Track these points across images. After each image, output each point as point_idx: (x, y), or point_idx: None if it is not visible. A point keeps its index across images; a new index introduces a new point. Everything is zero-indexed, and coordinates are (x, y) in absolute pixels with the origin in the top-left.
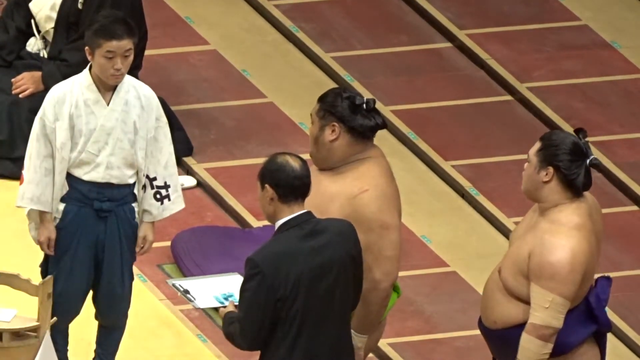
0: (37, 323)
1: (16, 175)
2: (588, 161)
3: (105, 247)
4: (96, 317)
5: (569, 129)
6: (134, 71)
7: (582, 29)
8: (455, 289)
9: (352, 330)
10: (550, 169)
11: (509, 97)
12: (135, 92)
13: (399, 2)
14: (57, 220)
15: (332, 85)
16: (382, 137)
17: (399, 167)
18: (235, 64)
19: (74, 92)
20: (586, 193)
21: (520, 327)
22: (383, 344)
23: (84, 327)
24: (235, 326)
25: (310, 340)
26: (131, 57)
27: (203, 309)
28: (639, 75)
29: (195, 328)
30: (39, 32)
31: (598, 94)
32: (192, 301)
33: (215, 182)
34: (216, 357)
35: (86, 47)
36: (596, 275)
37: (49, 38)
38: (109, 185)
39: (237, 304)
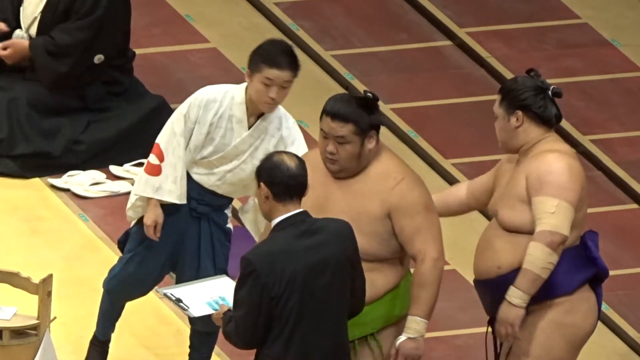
0: (37, 321)
1: (16, 173)
2: (550, 92)
3: (200, 250)
4: (191, 322)
5: (569, 127)
6: (128, 63)
7: (582, 27)
8: (456, 287)
9: (416, 317)
10: (519, 112)
11: None
12: (278, 123)
13: (399, 0)
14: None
15: (332, 83)
16: (382, 136)
17: None
18: (235, 62)
19: (223, 103)
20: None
21: None
22: None
23: (84, 325)
24: (232, 325)
25: (305, 339)
26: (288, 90)
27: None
28: (639, 73)
29: None
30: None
31: (598, 92)
32: (185, 310)
33: None
34: (216, 355)
35: (246, 69)
36: None
37: (33, 32)
38: (212, 193)
39: (229, 306)
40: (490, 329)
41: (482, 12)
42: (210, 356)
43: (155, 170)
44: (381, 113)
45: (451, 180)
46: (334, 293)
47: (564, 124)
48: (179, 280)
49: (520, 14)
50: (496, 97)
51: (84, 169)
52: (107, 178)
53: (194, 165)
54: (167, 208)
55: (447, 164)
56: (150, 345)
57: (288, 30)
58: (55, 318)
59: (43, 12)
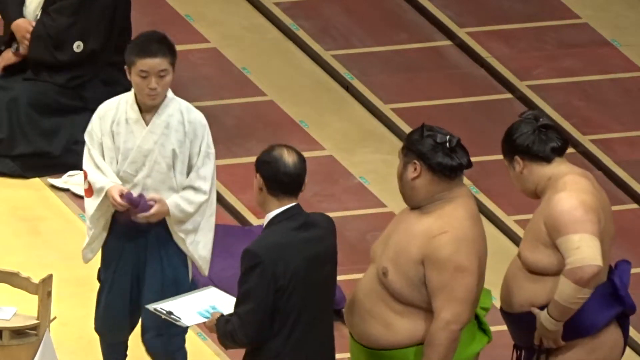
0: (37, 321)
1: (16, 173)
2: (538, 125)
3: (146, 266)
4: (148, 353)
5: (569, 127)
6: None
7: (582, 27)
8: None
9: None
10: (517, 157)
11: (509, 95)
12: (180, 116)
13: (399, 0)
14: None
15: (332, 83)
16: (382, 135)
17: None
18: (235, 62)
19: (119, 108)
20: (585, 172)
21: (545, 307)
22: None
23: (84, 325)
24: (234, 322)
25: (305, 333)
26: (168, 77)
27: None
28: (639, 73)
29: (195, 326)
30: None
31: (598, 92)
32: (177, 321)
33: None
34: (215, 355)
35: (125, 66)
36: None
37: None
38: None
39: (222, 313)
40: (516, 353)
41: (482, 12)
42: None
43: (90, 191)
44: (450, 156)
45: None
46: (329, 287)
47: (564, 124)
48: (139, 313)
49: (520, 14)
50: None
51: None
52: None
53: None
54: (116, 232)
55: None
56: None
57: (288, 30)
58: (55, 318)
59: (44, 8)
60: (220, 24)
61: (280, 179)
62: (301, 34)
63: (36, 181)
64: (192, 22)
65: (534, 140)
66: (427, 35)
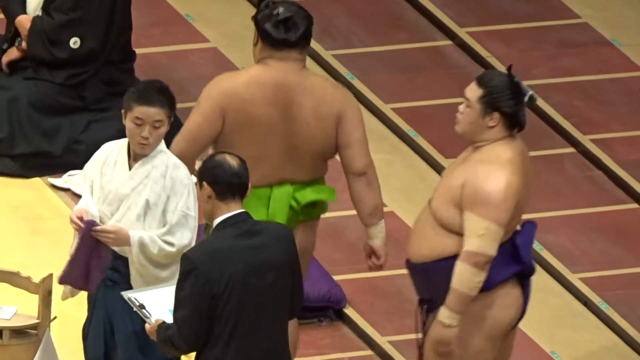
0: (37, 321)
1: (16, 173)
2: (526, 98)
3: (113, 321)
4: None
5: (569, 127)
6: (128, 63)
7: (582, 27)
8: None
9: None
10: (496, 114)
11: None
12: (164, 169)
13: (399, 0)
14: None
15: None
16: (382, 135)
17: (399, 165)
18: (236, 62)
19: (114, 150)
20: (518, 136)
21: (448, 259)
22: (383, 342)
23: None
24: (173, 328)
25: (245, 340)
26: (162, 129)
27: None
28: (639, 73)
29: None
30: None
31: (598, 92)
32: (147, 318)
33: None
34: None
35: (122, 110)
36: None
37: None
38: (114, 254)
39: (164, 320)
40: (422, 308)
41: (482, 12)
42: None
43: None
44: (277, 28)
45: None
46: (274, 296)
47: (564, 123)
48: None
49: (521, 14)
50: (474, 86)
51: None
52: None
53: None
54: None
55: (447, 164)
56: None
57: None
58: (55, 318)
59: (44, 7)
60: (220, 24)
61: (229, 181)
62: None
63: (36, 181)
64: (192, 22)
65: (519, 110)
66: (427, 35)
